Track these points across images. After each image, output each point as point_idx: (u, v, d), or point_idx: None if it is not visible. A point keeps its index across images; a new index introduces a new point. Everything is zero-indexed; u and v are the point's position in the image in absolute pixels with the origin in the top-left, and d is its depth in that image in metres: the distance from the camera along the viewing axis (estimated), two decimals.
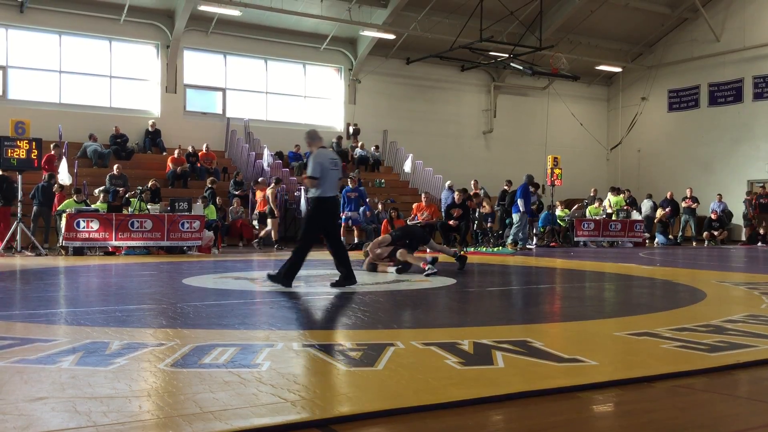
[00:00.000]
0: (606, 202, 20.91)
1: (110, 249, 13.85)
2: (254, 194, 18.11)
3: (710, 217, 22.15)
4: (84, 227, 13.38)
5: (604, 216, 20.15)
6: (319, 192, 7.61)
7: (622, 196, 21.58)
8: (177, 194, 17.01)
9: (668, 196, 22.35)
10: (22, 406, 2.99)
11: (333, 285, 7.69)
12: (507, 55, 23.41)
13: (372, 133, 24.14)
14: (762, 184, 22.60)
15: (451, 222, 15.90)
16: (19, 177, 13.75)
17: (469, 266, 10.69)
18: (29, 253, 13.32)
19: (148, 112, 21.34)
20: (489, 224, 18.68)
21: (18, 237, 13.54)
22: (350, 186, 18.05)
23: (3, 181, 13.97)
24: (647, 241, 21.12)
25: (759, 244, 21.19)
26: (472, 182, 19.94)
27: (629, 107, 28.72)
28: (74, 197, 14.46)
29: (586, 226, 19.50)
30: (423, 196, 17.22)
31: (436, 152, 24.59)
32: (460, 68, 25.51)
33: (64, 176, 15.39)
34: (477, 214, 18.41)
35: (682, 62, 26.70)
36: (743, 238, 22.66)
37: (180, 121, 21.52)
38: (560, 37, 25.00)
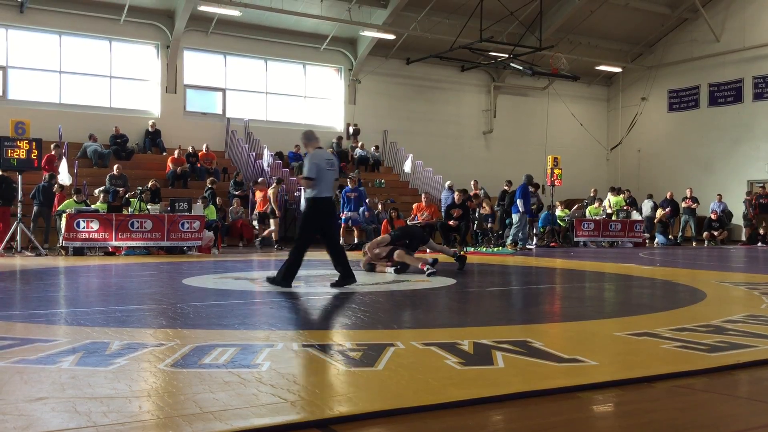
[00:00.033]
0: (606, 203, 20.91)
1: (110, 249, 13.85)
2: (254, 194, 18.12)
3: (710, 217, 22.15)
4: (84, 227, 13.38)
5: (604, 216, 20.15)
6: (315, 192, 7.61)
7: (622, 196, 21.59)
8: (177, 194, 17.01)
9: (668, 197, 22.35)
10: (22, 406, 2.99)
11: (333, 285, 7.69)
12: (507, 56, 23.41)
13: (372, 133, 24.15)
14: (762, 185, 22.60)
15: (451, 222, 15.90)
16: (19, 177, 13.75)
17: (469, 266, 10.69)
18: (29, 254, 13.32)
19: (148, 113, 21.34)
20: (489, 225, 18.67)
21: (18, 237, 13.54)
22: (350, 186, 18.06)
23: (2, 181, 13.96)
24: (647, 241, 21.12)
25: (759, 244, 21.19)
26: (472, 182, 19.95)
27: (629, 107, 28.72)
28: (74, 197, 14.46)
29: (586, 226, 19.50)
30: (423, 196, 17.22)
31: (436, 152, 24.59)
32: (460, 68, 25.51)
33: (64, 176, 15.39)
34: (477, 215, 18.42)
35: (682, 62, 26.71)
36: (743, 238, 22.66)
37: (180, 121, 21.52)
38: (560, 37, 25.01)
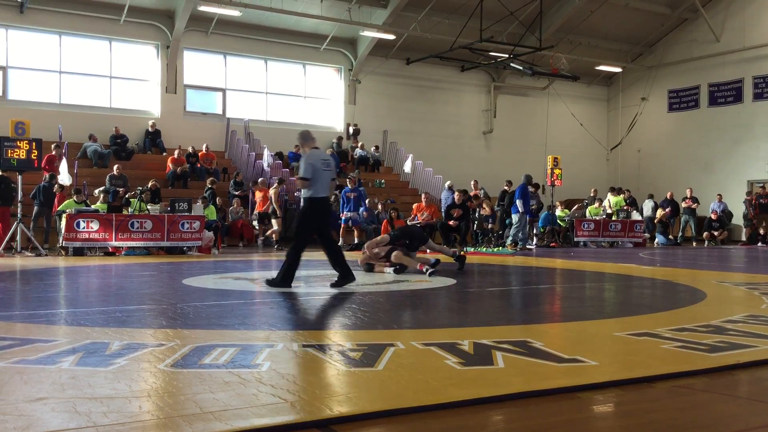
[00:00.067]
0: (606, 203, 20.91)
1: (110, 249, 13.85)
2: (254, 194, 18.12)
3: (710, 217, 22.14)
4: (84, 228, 13.38)
5: (604, 216, 20.15)
6: (311, 192, 7.61)
7: (621, 196, 21.59)
8: (177, 195, 17.01)
9: (668, 197, 22.35)
10: (22, 406, 2.99)
11: (333, 285, 7.69)
12: (507, 56, 23.41)
13: (372, 133, 24.15)
14: (762, 184, 22.60)
15: (451, 222, 15.90)
16: (19, 177, 13.74)
17: (469, 266, 10.69)
18: (29, 254, 13.32)
19: (148, 113, 21.35)
20: (490, 225, 18.67)
21: (18, 237, 13.54)
22: (349, 186, 18.07)
23: (1, 181, 13.95)
24: (647, 241, 21.12)
25: (759, 244, 21.19)
26: (472, 183, 19.95)
27: (629, 107, 28.73)
28: (74, 198, 14.46)
29: (586, 226, 19.50)
30: (423, 196, 17.22)
31: (436, 152, 24.59)
32: (460, 68, 25.51)
33: (64, 177, 15.39)
34: (477, 215, 18.41)
35: (682, 62, 26.71)
36: (743, 238, 22.66)
37: (180, 121, 21.53)
38: (560, 37, 25.01)
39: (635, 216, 20.95)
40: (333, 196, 18.36)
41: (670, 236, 21.70)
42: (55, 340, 4.48)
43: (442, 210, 17.22)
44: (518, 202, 16.61)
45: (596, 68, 26.96)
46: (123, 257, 13.36)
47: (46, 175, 15.24)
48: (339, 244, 16.74)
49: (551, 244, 19.05)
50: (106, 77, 20.87)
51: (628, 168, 28.95)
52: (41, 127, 16.23)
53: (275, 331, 4.96)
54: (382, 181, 22.91)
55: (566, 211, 20.77)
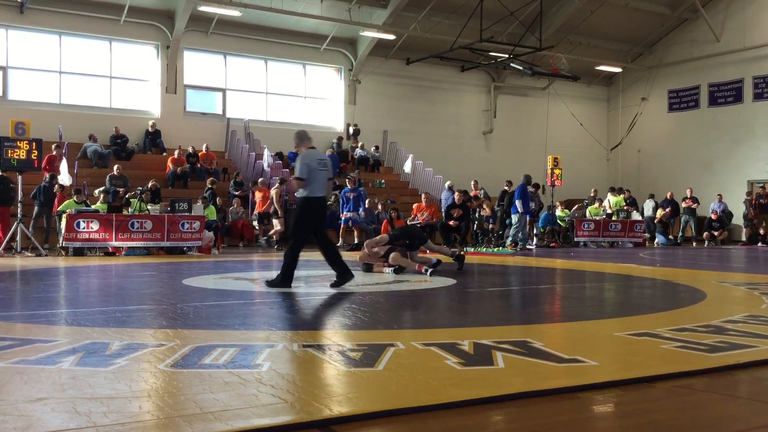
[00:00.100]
0: (606, 203, 20.91)
1: (110, 249, 13.85)
2: (254, 195, 18.12)
3: (710, 217, 22.14)
4: (84, 228, 13.38)
5: (604, 216, 20.15)
6: (306, 192, 7.60)
7: (621, 196, 21.59)
8: (177, 195, 17.01)
9: (668, 197, 22.36)
10: (22, 406, 2.99)
11: (333, 285, 7.68)
12: (507, 56, 23.41)
13: (372, 133, 24.15)
14: (762, 185, 22.60)
15: (451, 222, 15.90)
16: (19, 177, 13.74)
17: (469, 267, 10.69)
18: (29, 254, 13.32)
19: (148, 113, 21.35)
20: (491, 225, 18.67)
21: (18, 237, 13.54)
22: (349, 187, 18.06)
23: (0, 181, 13.95)
24: (647, 241, 21.12)
25: (759, 244, 21.19)
26: (472, 183, 19.95)
27: (629, 107, 28.73)
28: (74, 198, 14.46)
29: (586, 226, 19.50)
30: (423, 196, 17.22)
31: (436, 153, 24.60)
32: (460, 69, 25.51)
33: (64, 177, 15.40)
34: (477, 216, 18.41)
35: (682, 62, 26.71)
36: (743, 238, 22.66)
37: (180, 121, 21.53)
38: (560, 37, 25.01)
39: (635, 216, 20.95)
40: (333, 197, 18.39)
41: (670, 236, 21.70)
42: (56, 340, 4.48)
43: (442, 210, 17.23)
44: (517, 203, 16.61)
45: (596, 68, 26.96)
46: (123, 257, 13.36)
47: (47, 175, 15.24)
48: (339, 244, 16.81)
49: (551, 245, 19.05)
50: (106, 77, 20.87)
51: (628, 168, 28.95)
52: (41, 128, 16.23)
53: (275, 332, 4.96)
54: (382, 181, 22.91)
55: (566, 211, 20.77)
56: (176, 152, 19.69)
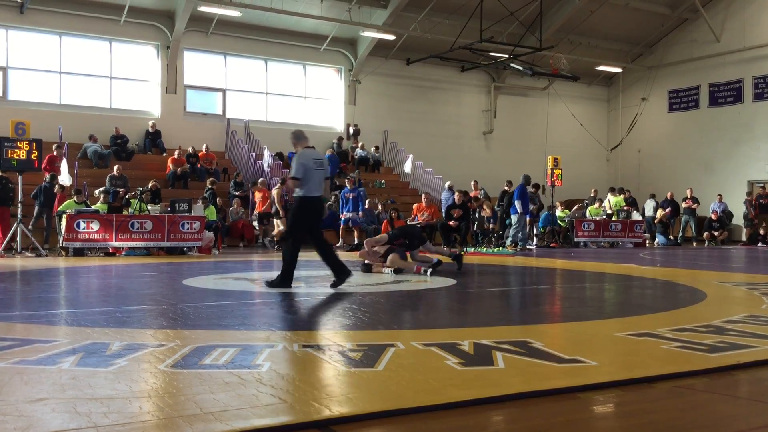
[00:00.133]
0: (606, 203, 20.92)
1: (110, 250, 13.86)
2: (254, 195, 18.12)
3: (710, 217, 22.15)
4: (84, 228, 13.38)
5: (605, 216, 20.15)
6: (303, 192, 7.60)
7: (622, 196, 21.58)
8: (177, 195, 17.02)
9: (668, 197, 22.35)
10: (23, 407, 2.99)
11: (332, 285, 7.67)
12: (507, 56, 23.41)
13: (372, 133, 24.15)
14: (762, 185, 22.61)
15: (451, 223, 15.90)
16: (20, 178, 13.74)
17: (469, 267, 10.69)
18: (29, 254, 13.32)
19: (149, 113, 21.35)
20: (491, 225, 18.67)
21: (18, 238, 13.54)
22: (348, 187, 18.06)
23: (0, 182, 13.95)
24: (647, 241, 21.12)
25: (759, 244, 21.19)
26: (472, 183, 19.95)
27: (629, 107, 28.73)
28: (74, 198, 14.46)
29: (586, 226, 19.50)
30: (423, 196, 17.22)
31: (436, 153, 24.60)
32: (460, 69, 25.51)
33: (64, 177, 15.40)
34: (477, 216, 18.41)
35: (682, 63, 26.72)
36: (743, 238, 22.66)
37: (180, 121, 21.53)
38: (560, 37, 25.01)
39: (635, 216, 20.95)
40: (333, 197, 18.39)
41: (671, 236, 21.70)
42: (56, 340, 4.48)
43: (443, 210, 17.23)
44: (517, 203, 16.61)
45: (596, 68, 26.96)
46: (123, 258, 13.36)
47: (47, 175, 15.24)
48: (339, 244, 16.81)
49: (551, 245, 19.05)
50: (107, 78, 20.88)
51: (628, 168, 28.95)
52: (41, 128, 16.24)
53: (275, 332, 4.96)
54: (383, 181, 22.91)
55: (566, 211, 20.77)
56: (176, 152, 19.69)
